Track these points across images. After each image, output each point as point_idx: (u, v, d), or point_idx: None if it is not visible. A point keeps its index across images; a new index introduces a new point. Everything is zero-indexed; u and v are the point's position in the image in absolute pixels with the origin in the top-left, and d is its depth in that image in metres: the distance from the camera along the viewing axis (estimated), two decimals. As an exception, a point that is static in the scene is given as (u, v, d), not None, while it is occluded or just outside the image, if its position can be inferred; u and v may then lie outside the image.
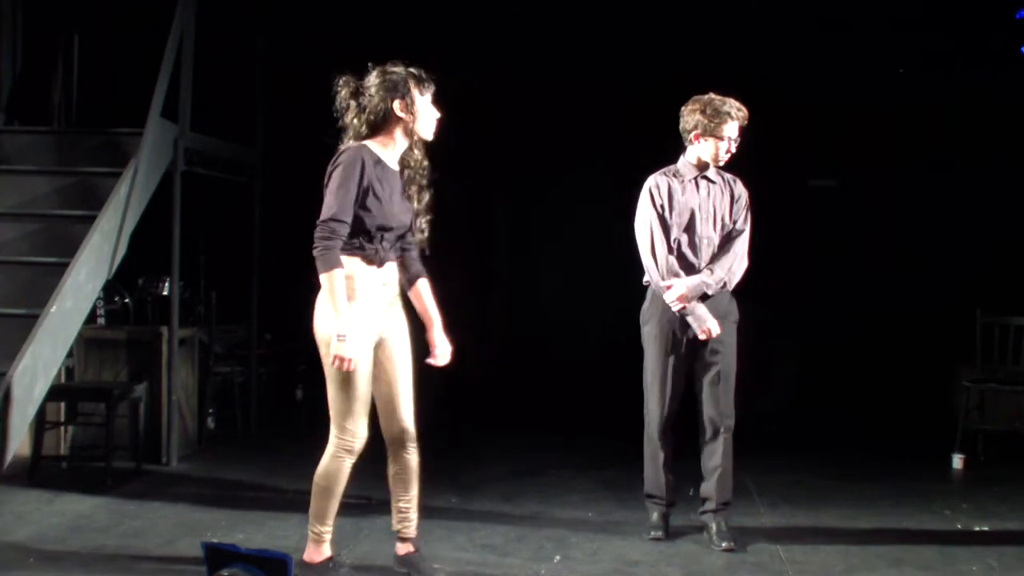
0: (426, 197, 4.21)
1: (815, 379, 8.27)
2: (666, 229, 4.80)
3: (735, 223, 4.83)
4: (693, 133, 4.80)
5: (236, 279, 7.45)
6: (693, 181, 4.83)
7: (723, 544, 4.74)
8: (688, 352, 4.81)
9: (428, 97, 4.15)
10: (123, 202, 5.68)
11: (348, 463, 4.15)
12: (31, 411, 5.09)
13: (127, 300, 7.29)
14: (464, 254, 8.40)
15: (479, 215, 9.18)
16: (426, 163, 4.20)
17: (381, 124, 4.11)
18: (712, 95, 4.79)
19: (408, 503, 4.32)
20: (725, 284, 4.76)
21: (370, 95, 4.09)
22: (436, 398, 8.15)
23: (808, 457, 6.85)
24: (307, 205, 9.33)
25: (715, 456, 4.81)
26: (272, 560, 3.75)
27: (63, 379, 6.30)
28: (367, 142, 4.11)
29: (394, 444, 4.30)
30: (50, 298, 5.12)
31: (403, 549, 4.33)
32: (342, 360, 3.96)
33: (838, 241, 8.48)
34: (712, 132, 4.75)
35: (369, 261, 4.07)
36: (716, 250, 4.80)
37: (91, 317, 6.41)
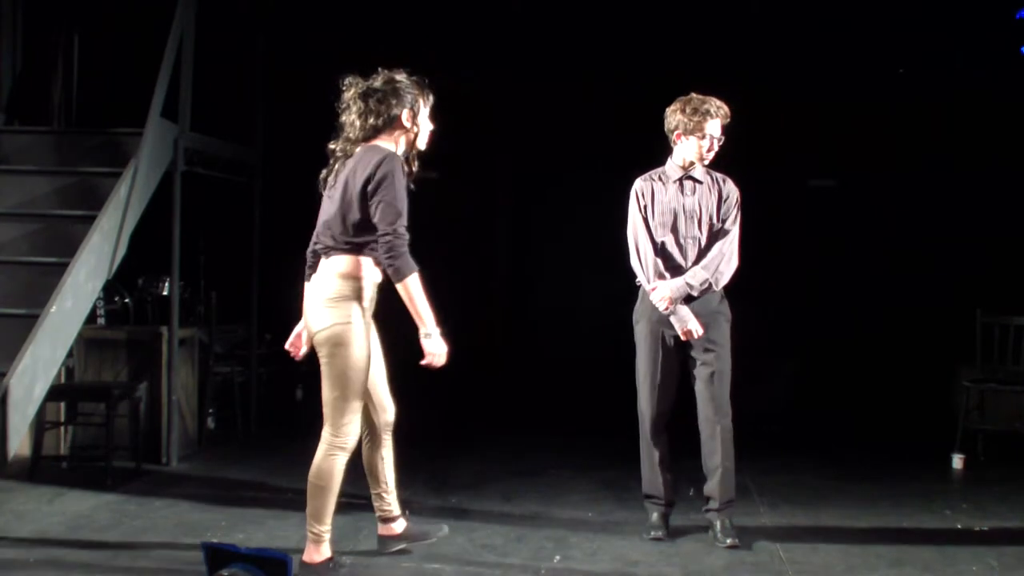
0: None
1: (815, 379, 8.27)
2: (650, 231, 4.82)
3: (723, 222, 4.81)
4: (675, 133, 4.82)
5: (236, 279, 7.45)
6: (678, 182, 4.83)
7: (727, 541, 4.74)
8: (679, 352, 4.82)
9: (427, 110, 4.24)
10: (123, 202, 5.68)
11: (343, 460, 4.17)
12: (31, 411, 5.09)
13: (127, 300, 7.29)
14: (464, 254, 8.40)
15: (479, 215, 9.19)
16: (413, 171, 4.27)
17: (383, 129, 4.16)
18: (693, 95, 4.80)
19: (392, 484, 4.53)
20: (711, 285, 4.75)
21: (378, 99, 4.13)
22: (436, 398, 8.17)
23: (808, 457, 6.85)
24: (307, 205, 9.33)
25: (716, 455, 4.81)
26: (272, 560, 3.75)
27: (63, 379, 6.30)
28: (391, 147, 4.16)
29: (383, 430, 4.48)
30: (50, 298, 5.12)
31: (399, 526, 4.53)
32: (436, 356, 4.08)
33: (838, 241, 8.48)
34: (693, 131, 4.76)
35: (377, 262, 4.13)
36: (703, 249, 4.80)
37: (91, 317, 6.41)
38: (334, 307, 4.08)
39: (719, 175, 4.89)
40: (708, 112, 4.73)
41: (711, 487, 4.85)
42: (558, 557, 4.61)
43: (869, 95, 8.16)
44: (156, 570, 4.31)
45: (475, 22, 8.08)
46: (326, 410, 4.16)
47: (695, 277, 4.74)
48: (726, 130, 4.80)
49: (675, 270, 4.79)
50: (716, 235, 4.81)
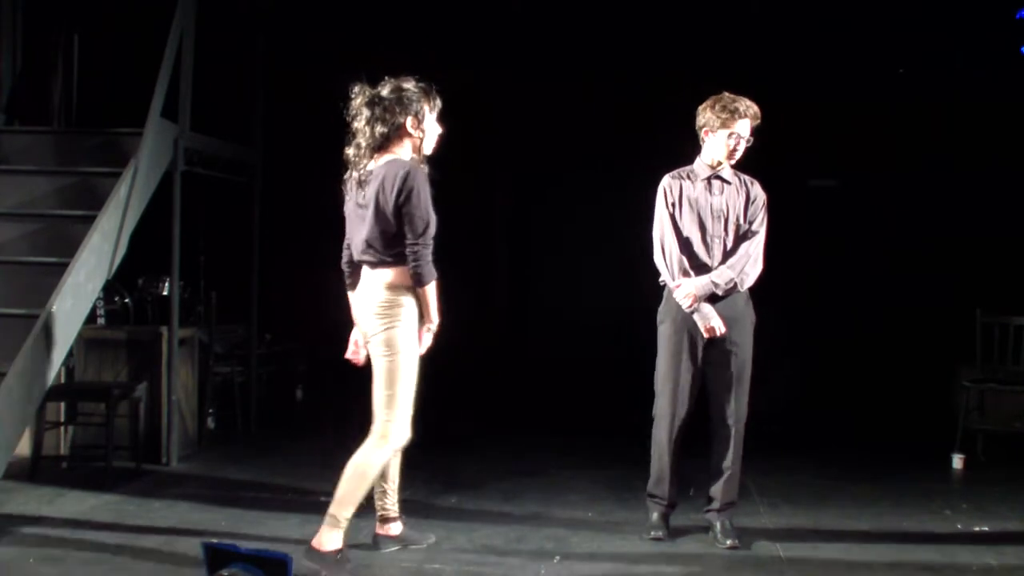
0: None
1: (815, 379, 8.27)
2: (677, 228, 4.80)
3: (750, 224, 4.80)
4: (704, 130, 4.81)
5: (236, 279, 7.45)
6: (706, 181, 4.82)
7: (728, 542, 4.74)
8: (702, 354, 4.79)
9: (435, 114, 4.38)
10: (123, 202, 5.68)
11: (387, 455, 4.37)
12: (31, 411, 5.09)
13: (127, 300, 7.29)
14: (464, 254, 8.39)
15: (479, 215, 9.19)
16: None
17: (391, 137, 4.29)
18: (725, 93, 4.79)
19: (396, 485, 4.64)
20: (736, 285, 4.74)
21: (384, 108, 4.27)
22: (437, 398, 8.17)
23: (808, 457, 6.85)
24: (307, 205, 9.35)
25: (725, 457, 4.81)
26: (272, 560, 3.75)
27: (63, 379, 6.30)
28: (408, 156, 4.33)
29: None
30: (50, 298, 5.12)
31: (396, 528, 4.62)
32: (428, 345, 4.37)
33: (838, 241, 8.48)
34: (720, 128, 4.76)
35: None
36: (729, 250, 4.79)
37: (91, 317, 6.41)
38: (385, 313, 4.27)
39: (747, 177, 4.87)
40: (736, 111, 4.72)
41: (715, 488, 4.85)
42: (558, 557, 4.61)
43: (869, 95, 8.16)
44: (156, 570, 4.31)
45: (475, 22, 8.08)
46: (377, 407, 4.33)
47: (721, 276, 4.73)
48: (755, 131, 4.78)
49: (700, 268, 4.77)
50: (742, 237, 4.79)
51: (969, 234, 8.06)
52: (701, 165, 4.85)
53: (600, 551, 4.70)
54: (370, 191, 4.25)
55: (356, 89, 4.32)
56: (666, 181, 4.87)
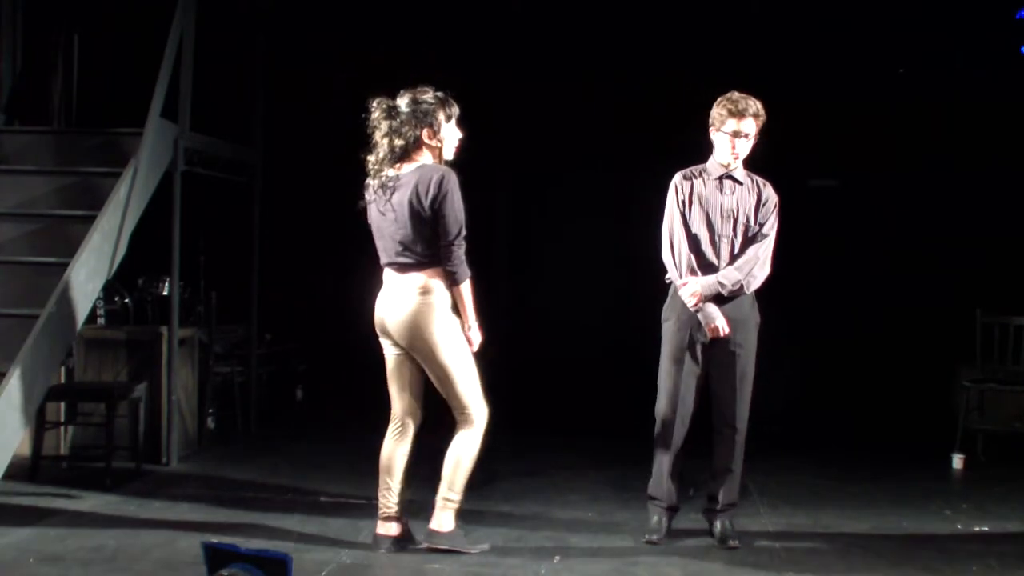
0: None
1: (815, 379, 8.27)
2: (686, 226, 4.79)
3: (760, 226, 4.79)
4: (711, 128, 4.81)
5: (236, 279, 7.44)
6: (718, 180, 4.81)
7: (728, 542, 4.74)
8: (705, 354, 4.79)
9: (453, 121, 4.53)
10: (123, 202, 5.68)
11: (482, 435, 4.61)
12: (31, 411, 5.09)
13: (127, 300, 7.29)
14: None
15: (479, 215, 9.17)
16: None
17: (410, 148, 4.44)
18: (734, 92, 4.79)
19: (402, 483, 4.67)
20: (742, 287, 4.72)
21: (401, 121, 4.42)
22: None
23: (808, 457, 6.85)
24: (307, 205, 9.36)
25: (726, 458, 4.81)
26: (272, 560, 3.75)
27: (63, 379, 6.30)
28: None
29: (413, 427, 4.70)
30: (50, 298, 5.12)
31: (395, 528, 4.64)
32: (476, 342, 4.56)
33: (838, 241, 8.47)
34: (719, 128, 4.76)
35: None
36: (737, 251, 4.78)
37: (91, 317, 6.42)
38: (429, 312, 4.43)
39: (759, 179, 4.86)
40: (731, 110, 4.72)
41: (717, 489, 4.85)
42: (558, 557, 4.61)
43: (869, 95, 8.16)
44: (156, 570, 4.31)
45: (475, 22, 8.08)
46: (460, 400, 4.52)
47: (727, 277, 4.72)
48: (757, 131, 4.76)
49: (707, 268, 4.77)
50: (752, 238, 4.78)
51: (969, 234, 8.05)
52: (714, 164, 4.84)
53: (600, 551, 4.70)
54: (401, 196, 4.40)
55: (375, 102, 4.47)
56: (677, 178, 4.86)
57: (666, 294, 4.88)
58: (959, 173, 8.07)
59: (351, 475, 6.08)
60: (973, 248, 8.02)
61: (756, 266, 4.75)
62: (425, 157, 4.47)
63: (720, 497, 4.84)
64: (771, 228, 4.81)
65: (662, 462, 4.87)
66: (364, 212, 4.65)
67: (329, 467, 6.34)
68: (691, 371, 4.78)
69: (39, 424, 5.79)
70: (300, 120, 8.40)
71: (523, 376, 8.53)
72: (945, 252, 8.08)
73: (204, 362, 6.97)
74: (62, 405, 6.17)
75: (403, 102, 4.44)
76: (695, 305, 4.71)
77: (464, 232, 4.42)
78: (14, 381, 4.80)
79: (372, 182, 4.52)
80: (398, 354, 4.60)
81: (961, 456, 6.60)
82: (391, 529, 4.63)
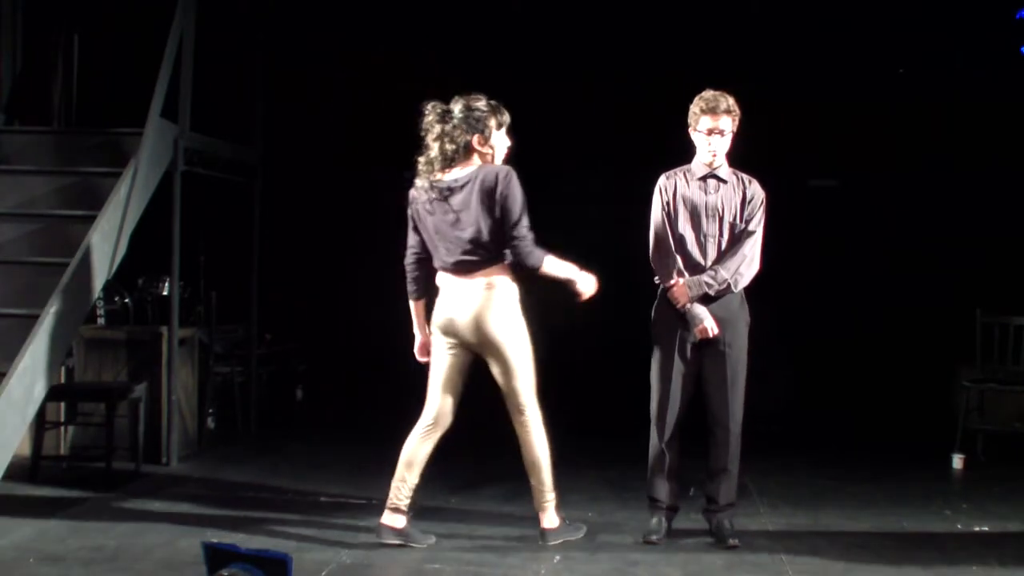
0: None
1: (815, 379, 8.26)
2: (671, 227, 4.79)
3: (747, 224, 4.78)
4: (689, 129, 4.82)
5: (236, 279, 7.45)
6: (702, 179, 4.81)
7: (728, 542, 4.74)
8: (696, 355, 4.79)
9: (503, 129, 4.66)
10: (123, 202, 5.68)
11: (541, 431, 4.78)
12: (31, 411, 5.09)
13: (127, 300, 7.29)
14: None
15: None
16: None
17: (461, 153, 4.57)
18: (707, 90, 4.79)
19: (416, 480, 4.74)
20: (729, 285, 4.72)
21: (453, 125, 4.55)
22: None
23: (808, 457, 6.85)
24: (307, 205, 9.35)
25: (721, 459, 4.80)
26: (272, 560, 3.75)
27: (63, 379, 6.30)
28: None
29: (442, 428, 4.82)
30: (50, 298, 5.12)
31: (401, 522, 4.69)
32: (590, 289, 4.71)
33: (838, 241, 8.47)
34: (695, 127, 4.78)
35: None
36: (724, 249, 4.77)
37: (91, 317, 6.41)
38: (505, 309, 4.59)
39: (745, 176, 4.85)
40: (704, 107, 4.73)
41: (714, 489, 4.84)
42: (558, 557, 4.61)
43: (869, 95, 8.15)
44: (156, 570, 4.31)
45: (475, 22, 8.08)
46: (520, 398, 4.69)
47: (714, 276, 4.71)
48: (734, 127, 4.76)
49: (694, 268, 4.76)
50: (739, 236, 4.77)
51: (969, 234, 8.05)
52: (698, 164, 4.84)
53: (600, 551, 4.70)
54: (464, 197, 4.52)
55: (428, 107, 4.59)
56: (662, 180, 4.86)
57: None
58: (959, 173, 8.07)
59: (351, 475, 6.09)
60: (973, 248, 8.02)
61: (743, 264, 4.74)
62: (475, 162, 4.58)
63: (718, 497, 4.84)
64: (757, 225, 4.79)
65: (661, 466, 4.86)
66: (406, 211, 4.76)
67: (329, 467, 6.34)
68: (682, 371, 4.78)
69: (39, 424, 5.79)
70: (300, 120, 8.40)
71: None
72: (945, 252, 8.08)
73: (204, 362, 6.97)
74: (62, 405, 6.17)
75: (456, 107, 4.56)
76: (682, 306, 4.71)
77: (527, 223, 4.53)
78: (14, 381, 4.80)
79: (420, 183, 4.61)
80: (454, 355, 4.70)
81: (961, 456, 6.60)
82: (397, 522, 4.66)
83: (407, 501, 4.69)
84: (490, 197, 4.48)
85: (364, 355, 8.56)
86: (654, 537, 4.82)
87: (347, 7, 8.03)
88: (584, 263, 4.57)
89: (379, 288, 8.99)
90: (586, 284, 4.67)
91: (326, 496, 5.61)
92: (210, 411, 7.19)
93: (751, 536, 4.89)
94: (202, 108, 6.48)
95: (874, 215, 8.50)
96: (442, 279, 4.68)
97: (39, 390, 5.07)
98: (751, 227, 4.78)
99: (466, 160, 4.58)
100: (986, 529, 5.18)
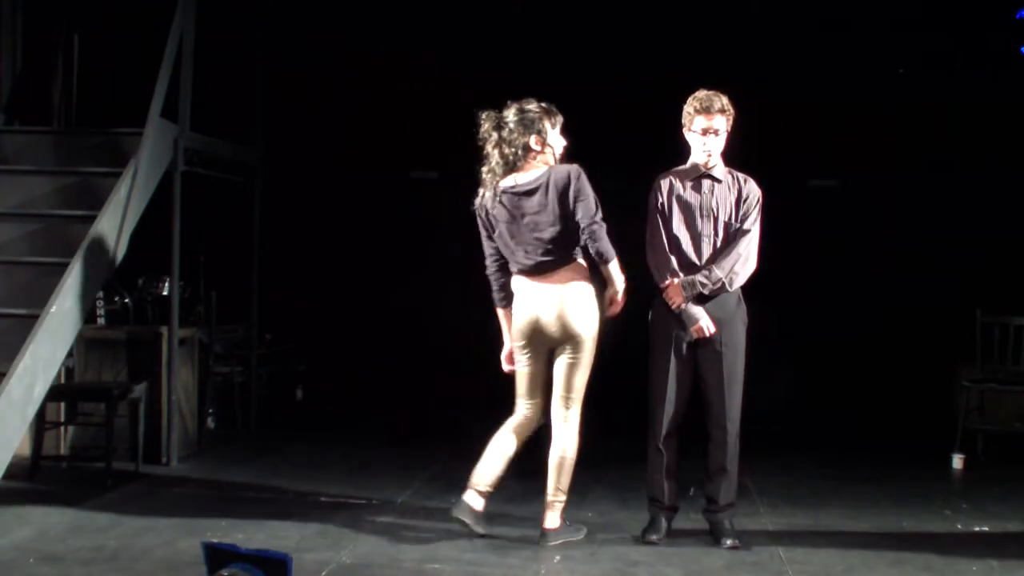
0: None
1: (815, 379, 8.27)
2: (667, 227, 4.79)
3: (742, 223, 4.77)
4: (683, 129, 4.82)
5: (236, 279, 7.45)
6: (697, 180, 4.81)
7: (728, 542, 4.74)
8: (693, 354, 4.79)
9: (557, 129, 4.77)
10: (123, 202, 5.68)
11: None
12: (31, 411, 5.09)
13: (127, 300, 7.28)
14: (464, 254, 8.38)
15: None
16: None
17: (521, 156, 4.68)
18: (701, 90, 4.79)
19: (505, 466, 4.91)
20: (724, 284, 4.72)
21: (509, 130, 4.68)
22: (437, 398, 8.16)
23: (808, 457, 6.85)
24: (307, 205, 9.34)
25: (720, 459, 4.80)
26: (272, 560, 3.75)
27: (63, 379, 6.29)
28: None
29: (537, 424, 4.94)
30: (50, 298, 5.12)
31: (480, 504, 4.84)
32: (619, 307, 4.79)
33: (838, 241, 8.47)
34: (690, 127, 4.78)
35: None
36: (719, 249, 4.77)
37: (91, 317, 6.41)
38: (587, 308, 4.68)
39: (741, 175, 4.84)
40: (698, 107, 4.73)
41: (714, 489, 4.84)
42: (558, 557, 4.61)
43: (869, 95, 8.16)
44: (156, 570, 4.30)
45: (475, 22, 8.08)
46: (573, 395, 4.77)
47: (708, 276, 4.70)
48: (728, 126, 4.76)
49: (689, 268, 4.76)
50: (734, 235, 4.76)
51: (969, 234, 8.05)
52: (693, 164, 4.84)
53: (600, 551, 4.70)
54: (538, 199, 4.63)
55: (484, 115, 4.72)
56: (657, 181, 4.87)
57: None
58: (959, 173, 8.07)
59: (351, 475, 6.09)
60: (973, 248, 8.02)
61: (738, 263, 4.73)
62: (539, 164, 4.68)
63: (718, 498, 4.83)
64: (753, 224, 4.78)
65: (660, 465, 4.86)
66: (474, 220, 4.89)
67: (329, 467, 6.34)
68: (679, 371, 4.78)
69: (39, 424, 5.79)
70: (300, 120, 8.40)
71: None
72: (945, 252, 8.08)
73: (204, 362, 6.97)
74: (62, 405, 6.17)
75: (510, 113, 4.69)
76: (677, 306, 4.71)
77: (601, 215, 4.61)
78: (14, 381, 4.80)
79: (487, 193, 4.74)
80: (538, 356, 4.80)
81: (961, 456, 6.60)
82: (477, 503, 4.82)
83: (490, 488, 4.85)
84: (564, 196, 4.60)
85: (364, 355, 8.56)
86: (654, 537, 4.82)
87: (347, 7, 8.03)
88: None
89: (379, 288, 9.02)
90: (618, 305, 4.76)
91: (326, 496, 5.61)
92: (210, 411, 7.20)
93: (751, 536, 4.89)
94: (202, 108, 6.48)
95: (874, 215, 8.50)
96: (520, 283, 4.77)
97: (39, 390, 5.07)
98: (746, 226, 4.77)
99: (528, 163, 4.68)
100: (986, 529, 5.18)
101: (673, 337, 4.77)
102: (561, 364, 4.75)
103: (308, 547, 4.62)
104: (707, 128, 4.72)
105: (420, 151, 8.50)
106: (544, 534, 4.77)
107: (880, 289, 8.35)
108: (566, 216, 4.61)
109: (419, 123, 8.32)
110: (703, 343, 4.75)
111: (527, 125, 4.66)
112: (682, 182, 4.82)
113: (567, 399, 4.78)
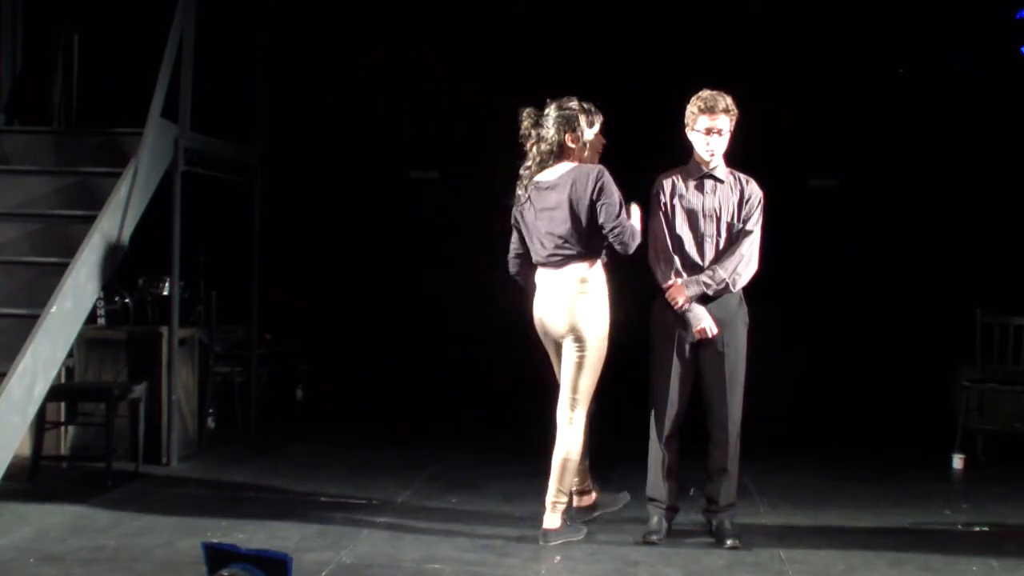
0: None
1: (815, 379, 8.26)
2: (669, 228, 4.79)
3: (744, 223, 4.77)
4: (686, 129, 4.81)
5: (236, 279, 7.45)
6: (699, 180, 4.81)
7: (729, 542, 4.74)
8: (695, 355, 4.79)
9: (596, 127, 4.85)
10: (123, 202, 5.68)
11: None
12: (31, 411, 5.09)
13: (127, 300, 7.28)
14: (464, 254, 8.39)
15: (480, 215, 9.17)
16: None
17: (557, 153, 4.76)
18: (704, 89, 4.79)
19: (586, 460, 5.01)
20: (727, 285, 4.72)
21: (547, 127, 4.76)
22: (437, 398, 8.15)
23: (808, 457, 6.85)
24: (307, 205, 9.34)
25: (720, 459, 4.80)
26: (272, 560, 3.75)
27: (63, 379, 6.29)
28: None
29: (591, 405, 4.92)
30: (50, 298, 5.12)
31: (590, 498, 5.06)
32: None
33: (838, 241, 8.47)
34: (693, 127, 4.78)
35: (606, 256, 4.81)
36: (722, 250, 4.77)
37: (91, 317, 6.40)
38: (595, 308, 4.71)
39: (743, 176, 4.84)
40: (702, 107, 4.72)
41: (714, 490, 4.84)
42: (558, 557, 4.61)
43: (869, 95, 8.15)
44: (156, 570, 4.31)
45: (475, 22, 8.08)
46: (579, 396, 4.77)
47: (712, 276, 4.71)
48: (732, 126, 4.76)
49: (692, 268, 4.76)
50: (736, 236, 4.76)
51: (969, 234, 8.05)
52: (695, 164, 4.84)
53: (600, 551, 4.70)
54: (560, 195, 4.68)
55: (524, 114, 4.80)
56: (660, 179, 4.87)
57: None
58: (959, 173, 8.07)
59: (351, 475, 6.09)
60: (973, 248, 8.01)
61: (741, 263, 4.73)
62: (570, 162, 4.74)
63: (719, 498, 4.83)
64: (755, 224, 4.78)
65: (660, 465, 4.87)
66: (509, 216, 4.92)
67: (329, 467, 6.34)
68: (681, 372, 4.78)
69: (39, 424, 5.79)
70: (300, 120, 8.40)
71: (523, 376, 8.54)
72: (945, 252, 8.08)
73: (204, 362, 6.97)
74: (62, 405, 6.16)
75: (549, 110, 4.76)
76: (680, 306, 4.71)
77: (625, 215, 4.65)
78: (14, 381, 4.80)
79: (521, 190, 4.80)
80: (556, 351, 4.85)
81: (961, 456, 6.60)
82: (584, 500, 5.03)
83: (582, 484, 5.00)
84: (584, 196, 4.62)
85: (364, 355, 8.56)
86: (654, 537, 4.82)
87: (347, 7, 8.03)
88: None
89: (379, 288, 9.02)
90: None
91: (326, 496, 5.61)
92: (210, 411, 7.19)
93: (751, 536, 4.89)
94: (202, 108, 6.48)
95: (874, 215, 8.50)
96: (539, 276, 4.82)
97: (39, 390, 5.07)
98: (748, 227, 4.77)
99: (561, 159, 4.75)
100: (986, 529, 5.18)
101: (675, 337, 4.76)
102: (567, 363, 4.76)
103: (308, 547, 4.62)
104: (711, 128, 4.72)
105: (420, 151, 8.50)
106: (544, 534, 4.78)
107: (880, 289, 8.35)
108: (582, 215, 4.63)
109: (419, 123, 8.32)
110: (705, 344, 4.75)
111: (562, 123, 4.73)
112: (684, 182, 4.82)
113: (572, 400, 4.78)
